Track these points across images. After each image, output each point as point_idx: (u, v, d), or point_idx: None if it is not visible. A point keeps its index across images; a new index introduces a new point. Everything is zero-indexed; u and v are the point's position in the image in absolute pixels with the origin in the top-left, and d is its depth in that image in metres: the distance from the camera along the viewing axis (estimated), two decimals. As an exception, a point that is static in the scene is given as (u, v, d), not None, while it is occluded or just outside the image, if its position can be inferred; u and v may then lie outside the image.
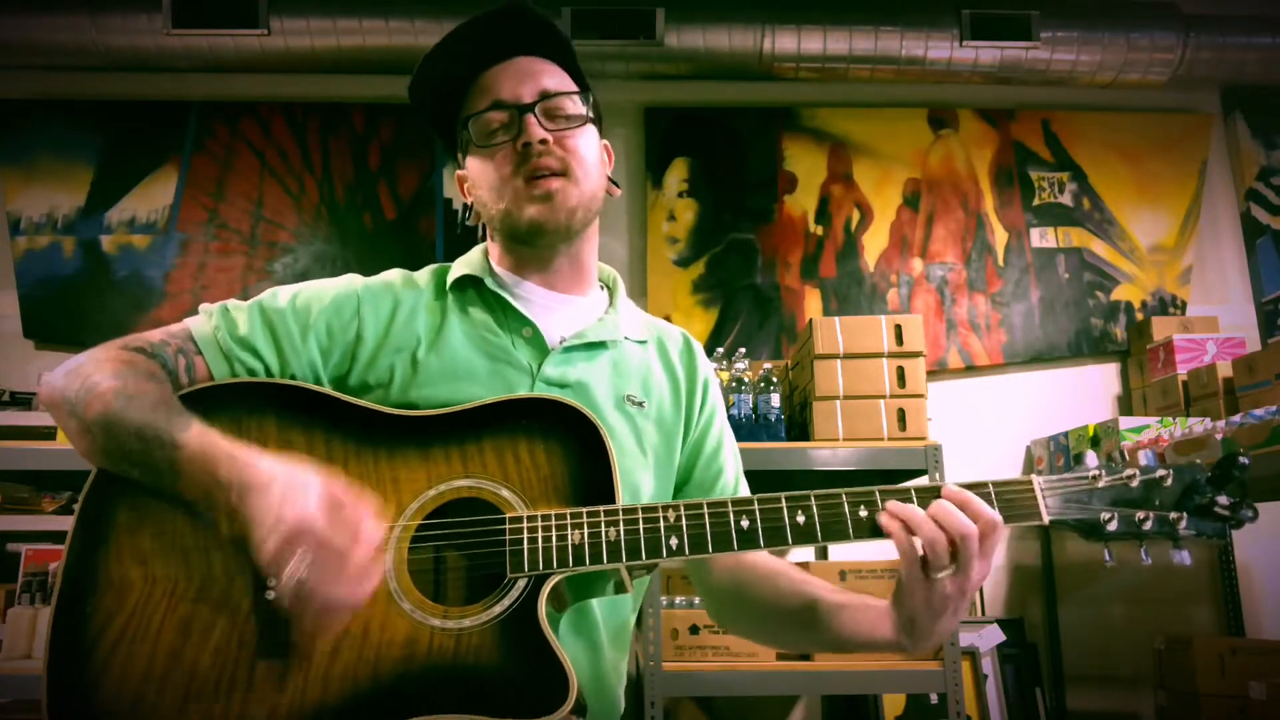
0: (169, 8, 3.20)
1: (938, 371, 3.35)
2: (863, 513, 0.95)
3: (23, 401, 2.98)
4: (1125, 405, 3.38)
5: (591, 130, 1.16)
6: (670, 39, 3.30)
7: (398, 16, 3.25)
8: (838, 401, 2.56)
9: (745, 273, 3.45)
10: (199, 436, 0.91)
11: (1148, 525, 0.95)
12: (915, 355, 2.59)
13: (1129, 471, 0.97)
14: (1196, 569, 3.20)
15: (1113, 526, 0.96)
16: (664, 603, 2.46)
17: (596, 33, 3.26)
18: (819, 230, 3.50)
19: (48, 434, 2.53)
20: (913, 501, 0.94)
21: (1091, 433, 2.89)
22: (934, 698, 2.83)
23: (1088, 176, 3.56)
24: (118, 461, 0.94)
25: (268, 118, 3.51)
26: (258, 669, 0.89)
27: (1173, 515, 0.95)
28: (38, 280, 3.35)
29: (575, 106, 1.14)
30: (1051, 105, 3.61)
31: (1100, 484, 0.96)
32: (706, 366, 1.27)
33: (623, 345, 1.18)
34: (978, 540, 0.91)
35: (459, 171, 1.23)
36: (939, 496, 0.94)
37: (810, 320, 2.69)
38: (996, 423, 3.32)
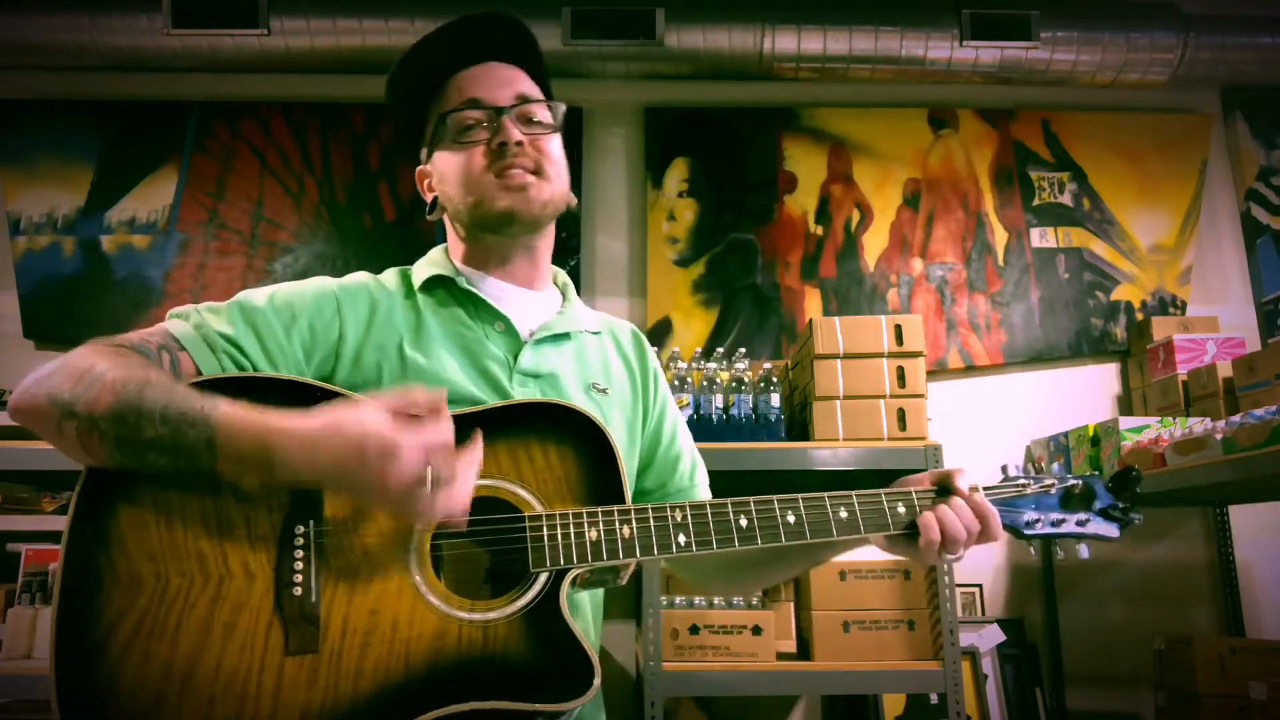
0: (168, 8, 3.20)
1: (938, 371, 3.35)
2: (843, 514, 1.07)
3: (23, 401, 2.97)
4: (1125, 405, 3.38)
5: (559, 138, 1.22)
6: (670, 39, 3.30)
7: (398, 16, 3.25)
8: (838, 401, 2.57)
9: (745, 273, 3.45)
10: (232, 410, 0.90)
11: (1064, 526, 1.15)
12: (915, 355, 2.60)
13: (1048, 480, 1.16)
14: (1196, 569, 3.19)
15: (1037, 529, 1.15)
16: (664, 603, 2.46)
17: (596, 33, 3.27)
18: (819, 230, 3.50)
19: (48, 434, 2.53)
20: (883, 504, 1.08)
21: (1091, 433, 2.89)
22: (934, 698, 2.83)
23: (1088, 176, 3.56)
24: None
25: (268, 118, 3.51)
26: (287, 666, 0.89)
27: (1080, 516, 1.15)
28: (38, 280, 3.35)
29: (546, 114, 1.21)
30: (1051, 105, 3.61)
31: (1028, 491, 1.16)
32: (654, 359, 1.35)
33: (582, 337, 1.26)
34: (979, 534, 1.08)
35: (420, 167, 1.29)
36: (911, 500, 1.09)
37: (810, 320, 2.69)
38: (996, 423, 3.32)
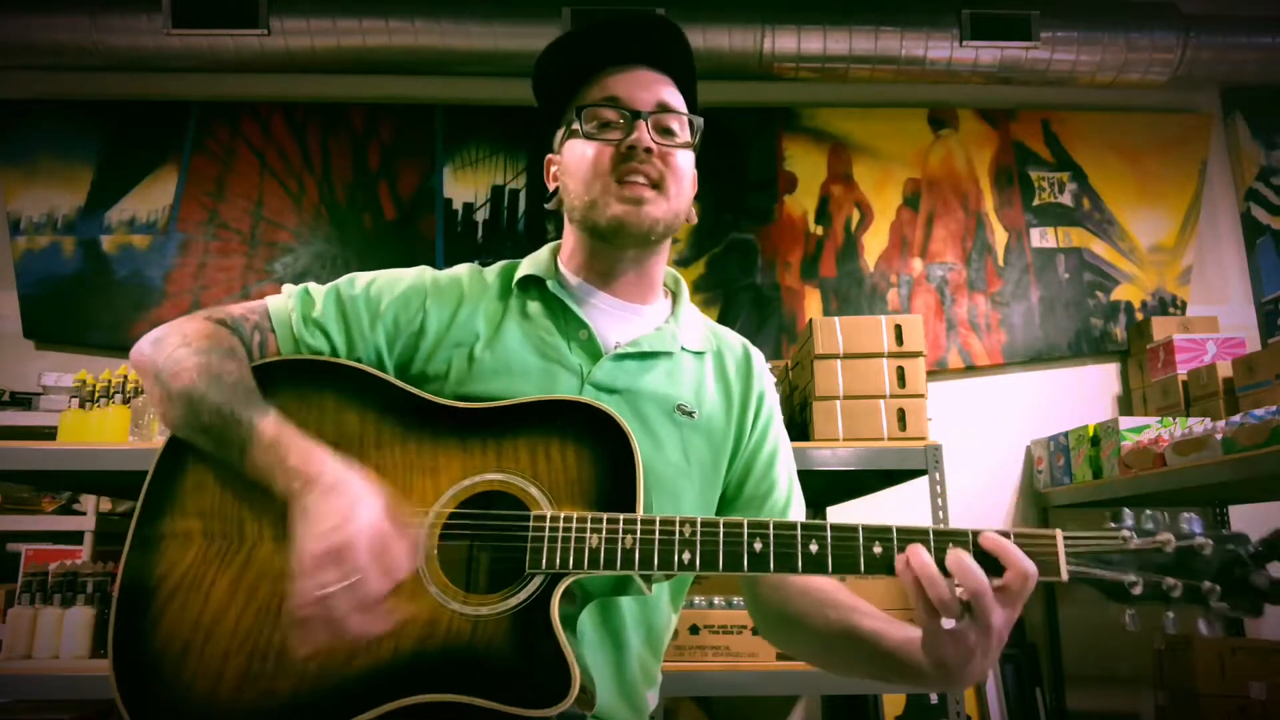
0: (169, 8, 3.20)
1: (938, 371, 3.35)
2: (877, 549, 0.93)
3: (23, 401, 2.98)
4: (1125, 405, 3.38)
5: (691, 155, 1.19)
6: (670, 39, 3.29)
7: (398, 16, 3.25)
8: (838, 401, 2.56)
9: (745, 273, 3.45)
10: (275, 423, 0.97)
11: (1176, 594, 0.90)
12: (915, 355, 2.59)
13: (1164, 536, 0.91)
14: (1196, 569, 3.20)
15: (1137, 591, 0.91)
16: (664, 603, 2.46)
17: (596, 33, 3.26)
18: (819, 230, 3.50)
19: (48, 434, 2.53)
20: (930, 542, 0.91)
21: (1091, 433, 2.89)
22: (934, 698, 2.83)
23: (1088, 176, 3.56)
24: (192, 431, 1.01)
25: (268, 118, 3.51)
26: (292, 633, 0.93)
27: (1205, 585, 0.89)
28: (38, 280, 3.35)
29: (683, 128, 1.18)
30: (1051, 105, 3.61)
31: (1131, 545, 0.92)
32: (764, 379, 1.27)
33: (678, 356, 1.20)
34: (991, 596, 0.87)
35: (550, 155, 1.26)
36: (959, 540, 0.91)
37: (810, 320, 2.69)
38: (996, 423, 3.32)
